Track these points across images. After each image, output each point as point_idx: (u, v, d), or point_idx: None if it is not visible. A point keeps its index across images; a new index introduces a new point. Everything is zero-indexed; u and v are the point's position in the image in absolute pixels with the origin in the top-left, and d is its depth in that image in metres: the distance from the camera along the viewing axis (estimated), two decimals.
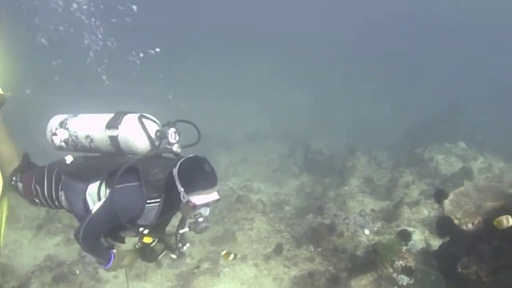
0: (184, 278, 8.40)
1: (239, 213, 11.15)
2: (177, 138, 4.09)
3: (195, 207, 3.65)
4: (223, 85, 30.69)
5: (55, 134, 4.35)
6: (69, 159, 4.31)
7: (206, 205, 3.73)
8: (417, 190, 11.73)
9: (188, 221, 4.04)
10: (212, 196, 3.73)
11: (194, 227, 3.87)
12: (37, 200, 4.41)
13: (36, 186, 4.34)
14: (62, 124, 4.35)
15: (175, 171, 3.73)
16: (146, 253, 4.36)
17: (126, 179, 3.76)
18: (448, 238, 6.75)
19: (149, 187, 3.72)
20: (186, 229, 4.12)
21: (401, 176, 12.97)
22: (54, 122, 4.44)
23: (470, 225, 6.04)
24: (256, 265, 8.94)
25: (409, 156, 14.94)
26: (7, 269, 8.28)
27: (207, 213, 3.85)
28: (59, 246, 9.62)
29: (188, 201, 3.65)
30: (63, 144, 4.36)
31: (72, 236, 9.40)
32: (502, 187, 7.52)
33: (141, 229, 3.95)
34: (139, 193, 3.72)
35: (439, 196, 6.97)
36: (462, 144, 15.48)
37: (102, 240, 4.04)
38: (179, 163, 3.76)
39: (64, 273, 8.27)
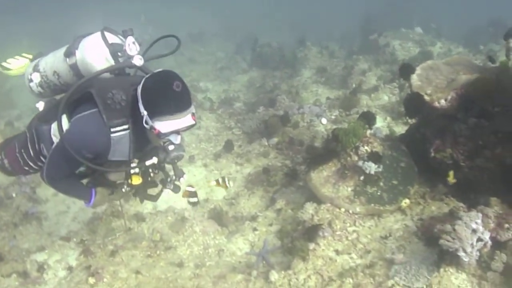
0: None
1: None
2: (138, 48, 3.40)
3: (159, 134, 3.10)
4: None
5: (31, 80, 3.82)
6: (40, 105, 3.84)
7: (174, 132, 3.16)
8: (374, 77, 11.04)
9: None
10: (181, 122, 3.11)
11: (164, 156, 3.46)
12: (27, 168, 3.95)
13: (22, 151, 3.90)
14: (35, 68, 3.80)
15: (139, 89, 3.13)
16: (142, 195, 4.08)
17: (82, 108, 3.28)
18: (417, 119, 6.03)
19: (109, 112, 3.16)
20: (155, 159, 3.58)
21: (356, 64, 12.22)
22: (29, 68, 3.90)
23: (442, 102, 5.28)
24: (205, 165, 8.19)
25: (363, 43, 14.20)
26: None
27: (178, 140, 3.31)
28: None
29: (152, 127, 3.08)
30: (40, 89, 3.84)
31: None
32: (474, 61, 6.82)
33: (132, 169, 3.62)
34: (98, 121, 3.17)
35: (405, 70, 6.13)
36: (419, 29, 14.73)
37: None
38: (143, 79, 3.14)
39: (0, 198, 7.54)
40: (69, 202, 7.46)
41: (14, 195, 7.67)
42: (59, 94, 3.85)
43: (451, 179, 5.07)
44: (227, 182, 4.45)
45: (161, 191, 4.10)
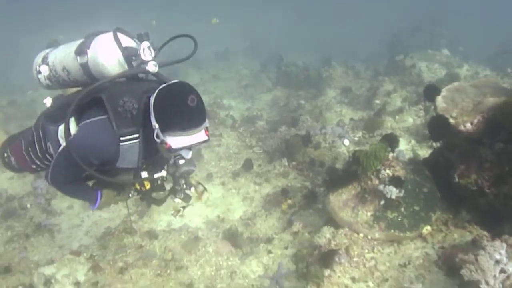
0: (142, 203, 7.40)
1: None
2: (153, 54, 3.25)
3: (170, 149, 2.97)
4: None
5: (39, 71, 3.70)
6: (48, 101, 3.76)
7: (186, 148, 3.04)
8: (399, 98, 10.74)
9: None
10: (193, 138, 2.97)
11: (174, 170, 3.38)
12: (34, 166, 3.90)
13: (28, 149, 3.85)
14: (44, 60, 3.68)
15: (151, 100, 2.98)
16: (149, 198, 3.89)
17: (91, 113, 3.17)
18: (442, 142, 5.79)
19: (119, 120, 3.05)
20: (164, 172, 3.49)
21: (381, 85, 11.95)
22: (38, 59, 3.77)
23: (468, 125, 5.07)
24: (223, 183, 8.03)
25: (389, 64, 13.91)
26: None
27: (189, 156, 3.20)
28: (12, 179, 8.67)
29: (163, 141, 2.95)
30: (48, 82, 3.73)
31: None
32: (502, 84, 6.57)
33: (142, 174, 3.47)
34: (108, 129, 3.06)
35: (430, 91, 5.93)
36: (446, 51, 14.46)
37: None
38: (157, 91, 2.97)
39: (14, 208, 7.55)
40: (83, 216, 7.45)
41: (28, 205, 7.66)
42: (67, 88, 3.81)
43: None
44: (201, 193, 4.23)
45: (168, 195, 3.93)
